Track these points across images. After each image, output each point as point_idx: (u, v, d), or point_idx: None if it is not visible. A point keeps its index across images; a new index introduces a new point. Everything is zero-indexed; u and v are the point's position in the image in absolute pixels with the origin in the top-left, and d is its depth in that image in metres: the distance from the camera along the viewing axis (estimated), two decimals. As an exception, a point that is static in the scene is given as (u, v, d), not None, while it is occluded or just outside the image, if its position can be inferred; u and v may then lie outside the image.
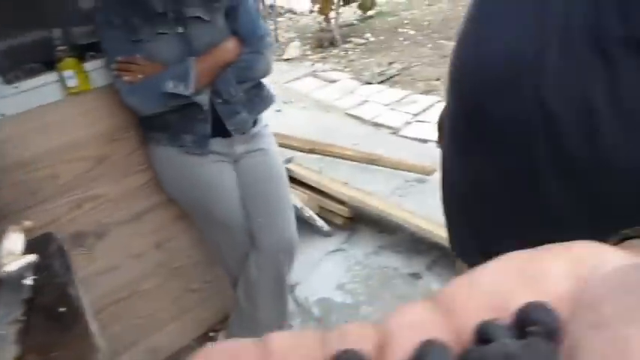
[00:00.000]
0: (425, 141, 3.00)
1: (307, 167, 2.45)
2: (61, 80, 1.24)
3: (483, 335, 0.19)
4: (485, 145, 0.60)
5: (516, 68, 0.54)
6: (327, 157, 2.68)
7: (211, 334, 1.83)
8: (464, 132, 0.65)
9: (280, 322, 1.59)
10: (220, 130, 1.31)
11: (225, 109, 1.28)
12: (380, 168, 2.56)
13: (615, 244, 0.24)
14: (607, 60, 0.48)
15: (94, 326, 0.64)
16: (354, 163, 2.65)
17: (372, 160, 2.60)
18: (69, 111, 1.28)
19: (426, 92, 3.70)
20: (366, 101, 3.67)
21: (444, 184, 0.74)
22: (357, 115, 3.46)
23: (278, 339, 0.19)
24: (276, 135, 2.75)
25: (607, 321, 0.17)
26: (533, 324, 0.19)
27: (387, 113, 3.46)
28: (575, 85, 0.50)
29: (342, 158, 2.67)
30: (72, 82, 1.23)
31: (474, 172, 0.64)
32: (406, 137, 3.12)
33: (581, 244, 0.21)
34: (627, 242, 0.24)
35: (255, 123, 1.40)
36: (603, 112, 0.48)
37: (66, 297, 0.68)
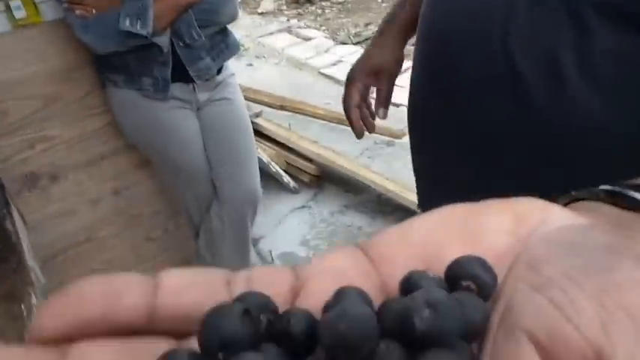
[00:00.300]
0: (397, 105, 2.98)
1: (277, 123, 2.42)
2: (8, 10, 1.15)
3: (409, 286, 0.17)
4: (452, 105, 0.59)
5: (485, 21, 0.52)
6: (298, 115, 2.65)
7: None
8: (430, 92, 0.63)
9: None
10: (182, 76, 1.26)
11: (187, 53, 1.23)
12: (350, 129, 2.54)
13: (565, 205, 0.23)
14: (579, 23, 0.46)
15: (32, 262, 0.62)
16: (325, 122, 2.62)
17: (342, 121, 2.56)
18: (17, 45, 1.20)
19: (402, 55, 3.67)
20: (340, 61, 3.60)
21: (412, 146, 0.73)
22: (330, 75, 3.40)
23: (173, 275, 0.17)
24: (246, 90, 2.70)
25: (548, 282, 0.15)
26: (466, 279, 0.17)
27: (361, 75, 3.42)
28: (544, 43, 0.49)
29: (313, 117, 2.64)
30: (20, 13, 1.15)
31: (440, 134, 0.63)
32: (378, 99, 3.10)
33: (526, 201, 0.20)
34: (578, 203, 0.23)
35: (219, 71, 1.35)
36: (572, 75, 0.47)
37: (1, 231, 0.65)
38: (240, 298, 0.16)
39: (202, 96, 1.34)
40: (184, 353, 0.14)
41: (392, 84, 0.88)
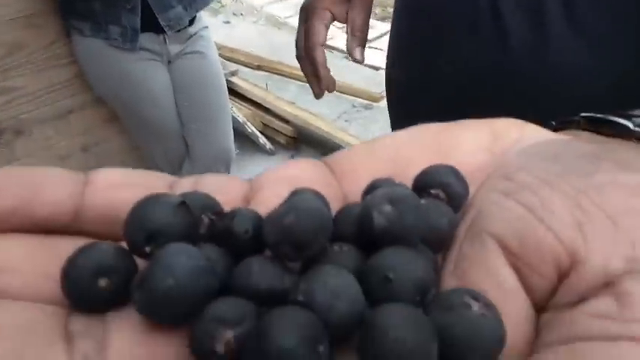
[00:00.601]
0: (376, 68, 2.95)
1: (253, 83, 2.37)
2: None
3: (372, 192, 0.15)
4: (433, 56, 0.57)
5: None
6: (275, 76, 2.60)
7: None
8: (410, 41, 0.62)
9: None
10: (152, 25, 1.21)
11: (156, 0, 1.18)
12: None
13: None
14: None
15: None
16: (303, 83, 2.58)
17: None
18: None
19: (383, 19, 3.60)
20: (321, 22, 3.53)
21: (389, 103, 0.71)
22: (310, 36, 3.33)
23: (107, 173, 0.15)
24: (222, 48, 2.62)
25: (521, 187, 0.14)
26: (436, 187, 0.16)
27: (341, 36, 3.35)
28: None
29: (291, 78, 2.59)
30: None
31: (419, 89, 0.62)
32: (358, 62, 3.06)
33: (503, 120, 0.19)
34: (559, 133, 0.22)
35: (192, 22, 1.30)
36: (557, 25, 0.46)
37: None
38: (182, 196, 0.14)
39: (173, 48, 1.29)
40: (105, 245, 0.13)
41: (368, 11, 0.67)
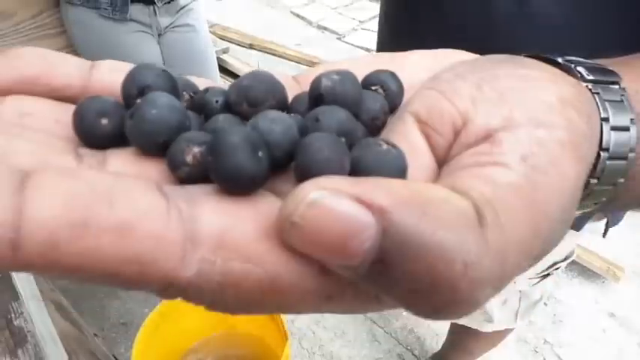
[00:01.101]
0: (369, 50, 2.95)
1: (245, 62, 2.36)
2: None
3: (314, 83, 0.18)
4: (419, 21, 0.58)
5: None
6: (267, 55, 2.59)
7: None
8: (397, 5, 0.62)
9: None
10: (142, -4, 1.20)
11: (147, -30, 1.17)
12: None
13: None
14: None
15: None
16: (294, 64, 2.58)
17: (312, 63, 2.54)
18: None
19: (375, 0, 3.58)
20: (313, 1, 3.50)
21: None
22: (302, 16, 3.31)
23: (111, 62, 0.19)
24: (214, 26, 2.60)
25: (440, 80, 0.17)
26: (376, 84, 0.19)
27: (334, 17, 3.34)
28: None
29: (283, 58, 2.58)
30: None
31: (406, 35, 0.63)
32: (350, 44, 3.05)
33: (446, 50, 0.21)
34: None
35: (182, -6, 1.30)
36: None
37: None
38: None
39: (164, 20, 1.29)
40: (106, 97, 0.16)
41: None
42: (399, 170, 0.14)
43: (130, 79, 0.16)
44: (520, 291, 0.89)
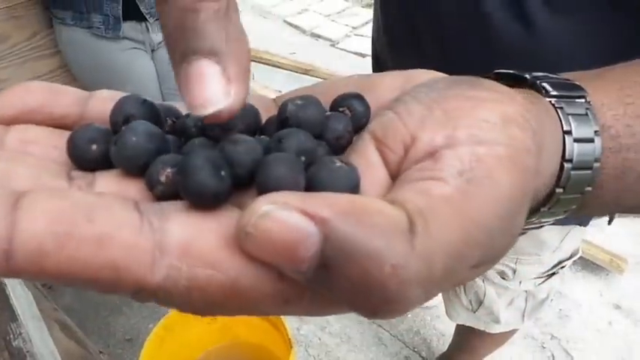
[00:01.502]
0: (363, 55, 2.96)
1: (239, 72, 2.37)
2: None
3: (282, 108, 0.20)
4: (419, 45, 0.58)
5: None
6: (262, 65, 2.60)
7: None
8: (397, 31, 0.63)
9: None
10: (134, 13, 1.22)
11: (137, -12, 1.18)
12: (315, 79, 2.53)
13: None
14: None
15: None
16: (289, 72, 2.59)
17: (307, 71, 2.55)
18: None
19: (368, 6, 3.60)
20: (306, 10, 3.52)
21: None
22: (295, 24, 3.33)
23: (106, 92, 0.20)
24: (208, 38, 2.62)
25: (399, 102, 0.19)
26: (343, 106, 0.20)
27: (327, 24, 3.36)
28: None
29: (277, 67, 2.60)
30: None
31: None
32: (344, 50, 3.07)
33: (418, 70, 0.22)
34: None
35: (174, 9, 1.31)
36: (538, 13, 0.47)
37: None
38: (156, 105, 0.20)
39: (156, 37, 1.30)
40: (96, 126, 0.18)
41: None
42: (350, 185, 0.16)
43: (116, 108, 0.18)
44: (526, 291, 0.89)
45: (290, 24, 3.34)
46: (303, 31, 3.26)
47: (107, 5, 1.17)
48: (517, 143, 0.16)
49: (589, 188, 0.21)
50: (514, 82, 0.23)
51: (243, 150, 0.16)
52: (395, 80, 0.22)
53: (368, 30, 3.48)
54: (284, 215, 0.13)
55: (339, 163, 0.16)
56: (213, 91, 0.15)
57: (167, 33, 0.16)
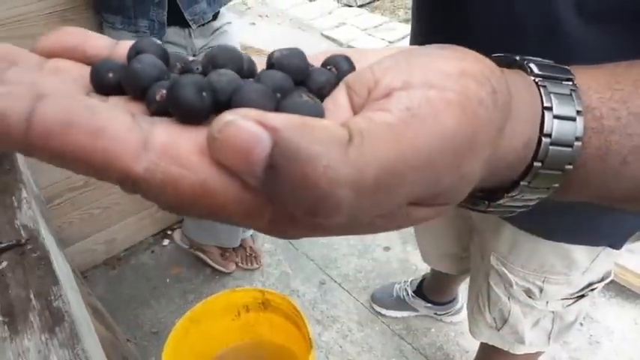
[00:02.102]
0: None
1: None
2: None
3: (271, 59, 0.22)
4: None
5: None
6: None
7: (168, 232, 1.88)
8: (429, 32, 0.64)
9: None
10: (178, 19, 1.28)
11: (183, -5, 1.24)
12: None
13: None
14: None
15: (24, 168, 0.66)
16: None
17: (342, 82, 2.59)
18: (16, -19, 1.22)
19: (406, 21, 3.62)
20: (344, 24, 3.57)
21: None
22: (333, 37, 3.38)
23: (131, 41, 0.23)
24: (247, 48, 2.69)
25: (378, 62, 0.20)
26: (330, 64, 0.23)
27: (364, 38, 3.40)
28: None
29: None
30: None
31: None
32: (380, 63, 3.09)
33: (408, 47, 0.24)
34: None
35: (215, 17, 1.36)
36: (568, 16, 0.46)
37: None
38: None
39: (198, 42, 1.35)
40: (114, 61, 0.21)
41: None
42: (313, 115, 0.18)
43: (132, 45, 0.22)
44: (553, 312, 0.86)
45: (327, 37, 3.40)
46: (340, 44, 3.31)
47: (153, 11, 1.24)
48: (469, 93, 0.17)
49: (570, 166, 0.22)
50: (507, 65, 0.24)
51: (226, 80, 0.19)
52: (389, 50, 0.23)
53: (404, 44, 3.48)
54: (243, 123, 0.15)
55: (306, 98, 0.19)
56: None
57: None
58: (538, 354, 1.00)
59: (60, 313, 0.44)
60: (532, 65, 0.23)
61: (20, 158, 0.69)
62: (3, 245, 0.55)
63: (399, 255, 1.78)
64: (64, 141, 0.15)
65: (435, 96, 0.17)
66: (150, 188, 0.16)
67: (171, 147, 0.16)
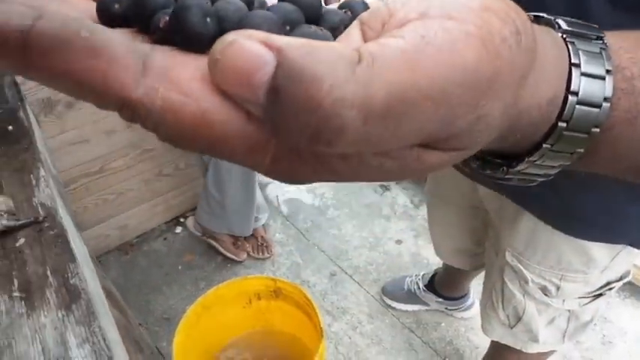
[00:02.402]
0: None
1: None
2: None
3: None
4: None
5: None
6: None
7: (181, 219, 1.89)
8: None
9: (247, 210, 1.65)
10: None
11: None
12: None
13: None
14: None
15: (42, 148, 0.66)
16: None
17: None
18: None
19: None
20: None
21: None
22: None
23: None
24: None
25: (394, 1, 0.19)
26: (345, 8, 0.22)
27: None
28: None
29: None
30: None
31: None
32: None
33: None
34: None
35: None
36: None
37: (15, 118, 0.69)
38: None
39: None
40: None
41: None
42: None
43: None
44: (569, 311, 0.84)
45: None
46: None
47: None
48: (492, 29, 0.16)
49: (596, 129, 0.20)
50: (535, 22, 0.22)
51: (233, 8, 0.19)
52: None
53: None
54: (247, 43, 0.14)
55: (314, 29, 0.18)
56: None
57: None
58: (550, 353, 0.98)
59: (77, 291, 0.45)
60: (560, 21, 0.21)
61: (39, 138, 0.69)
62: (21, 222, 0.56)
63: (411, 248, 1.77)
64: (61, 59, 0.14)
65: (452, 27, 0.16)
66: (149, 115, 0.15)
67: (170, 71, 0.16)
